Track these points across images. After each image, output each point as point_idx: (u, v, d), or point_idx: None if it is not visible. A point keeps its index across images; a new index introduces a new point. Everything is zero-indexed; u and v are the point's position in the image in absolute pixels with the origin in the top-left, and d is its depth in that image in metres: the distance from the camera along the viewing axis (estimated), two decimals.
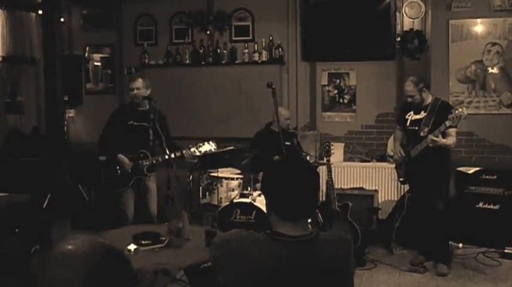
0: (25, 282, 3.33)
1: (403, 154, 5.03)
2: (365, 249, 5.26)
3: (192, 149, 4.73)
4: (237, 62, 7.13)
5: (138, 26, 7.56)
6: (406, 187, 5.36)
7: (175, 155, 4.72)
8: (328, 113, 6.96)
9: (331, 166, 5.50)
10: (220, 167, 5.49)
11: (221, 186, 5.43)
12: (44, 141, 7.02)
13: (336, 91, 6.91)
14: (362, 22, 6.43)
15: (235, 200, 5.05)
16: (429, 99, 4.89)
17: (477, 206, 5.50)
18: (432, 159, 4.76)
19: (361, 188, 6.24)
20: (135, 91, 4.85)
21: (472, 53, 6.39)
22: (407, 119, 5.00)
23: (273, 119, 5.56)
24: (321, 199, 5.69)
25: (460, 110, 4.52)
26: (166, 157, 4.71)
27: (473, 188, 5.62)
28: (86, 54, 7.82)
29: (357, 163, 6.53)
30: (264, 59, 7.00)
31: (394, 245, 5.44)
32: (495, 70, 6.37)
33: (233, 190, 5.43)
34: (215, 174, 5.49)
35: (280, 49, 6.93)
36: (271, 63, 6.97)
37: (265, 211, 2.34)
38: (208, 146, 4.75)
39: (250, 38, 7.12)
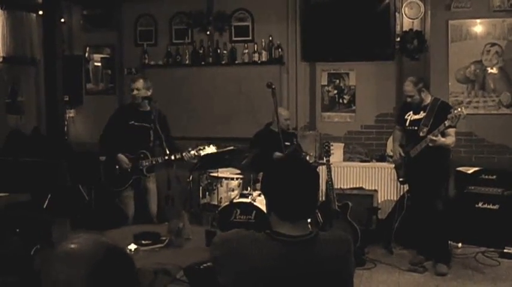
0: (28, 281, 3.34)
1: (403, 154, 5.04)
2: (365, 249, 5.27)
3: (192, 152, 4.75)
4: (236, 62, 7.14)
5: (138, 27, 7.57)
6: (406, 187, 5.36)
7: (175, 157, 4.73)
8: (328, 113, 6.97)
9: (331, 166, 5.51)
10: (220, 167, 5.50)
11: (221, 186, 5.44)
12: (44, 141, 7.02)
13: (335, 91, 6.92)
14: (362, 22, 6.43)
15: (235, 200, 5.06)
16: (428, 99, 4.90)
17: (476, 206, 5.51)
18: (432, 159, 4.77)
19: (360, 188, 6.25)
20: (135, 91, 4.86)
21: (472, 53, 6.40)
22: (407, 119, 5.01)
23: (272, 119, 5.57)
24: (320, 198, 5.69)
25: (459, 109, 4.52)
26: (166, 157, 4.73)
27: (472, 188, 5.63)
28: (86, 55, 7.83)
29: (357, 163, 6.54)
30: (263, 59, 7.01)
31: (393, 245, 5.44)
32: (494, 70, 6.38)
33: (233, 190, 5.44)
34: (215, 174, 5.50)
35: (280, 49, 6.94)
36: (271, 63, 6.98)
37: (265, 211, 2.35)
38: (209, 150, 4.77)
39: (250, 38, 7.13)
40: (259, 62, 7.01)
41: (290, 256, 1.78)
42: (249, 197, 5.00)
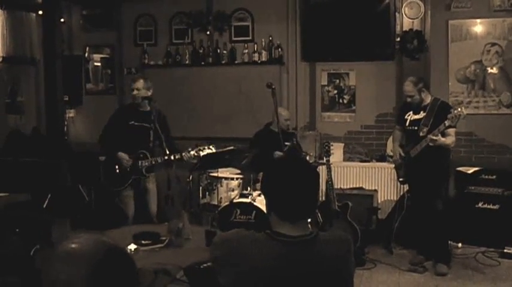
0: (30, 280, 3.34)
1: (403, 154, 5.04)
2: (365, 249, 5.27)
3: (192, 153, 4.76)
4: (236, 62, 7.13)
5: (138, 26, 7.57)
6: (406, 187, 5.36)
7: (174, 157, 4.73)
8: (328, 113, 6.97)
9: (331, 165, 5.51)
10: (220, 167, 5.50)
11: (221, 186, 5.44)
12: (44, 141, 7.02)
13: (335, 91, 6.92)
14: (362, 22, 6.43)
15: (235, 200, 5.06)
16: (428, 99, 4.90)
17: (476, 206, 5.51)
18: (432, 159, 4.77)
19: (360, 188, 6.25)
20: (135, 91, 4.86)
21: (472, 53, 6.40)
22: (407, 119, 5.01)
23: (272, 120, 5.57)
24: (320, 198, 5.69)
25: (459, 109, 4.52)
26: (166, 157, 4.73)
27: (472, 188, 5.63)
28: (86, 55, 7.83)
29: (357, 163, 6.54)
30: (263, 59, 7.01)
31: (393, 245, 5.44)
32: (494, 70, 6.37)
33: (233, 190, 5.44)
34: (215, 174, 5.50)
35: (279, 49, 6.93)
36: (270, 63, 6.98)
37: (265, 211, 2.35)
38: (209, 150, 4.77)
39: (250, 38, 7.13)
40: (259, 62, 7.01)
41: (290, 256, 1.77)
42: (249, 197, 5.00)
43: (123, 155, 4.82)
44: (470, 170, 5.74)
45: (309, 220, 2.11)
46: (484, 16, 6.34)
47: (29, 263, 4.00)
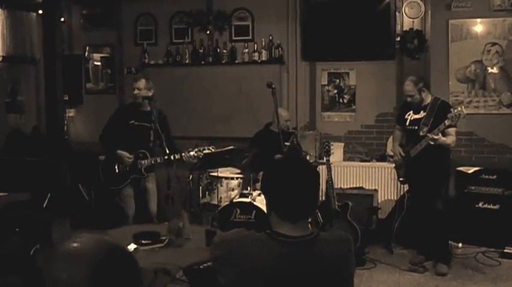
0: (31, 279, 3.34)
1: (403, 154, 5.04)
2: (365, 249, 5.27)
3: (192, 153, 4.76)
4: (236, 61, 7.13)
5: (138, 26, 7.57)
6: (406, 187, 5.36)
7: (174, 157, 4.73)
8: (328, 113, 6.96)
9: (331, 165, 5.51)
10: (220, 167, 5.49)
11: (221, 186, 5.43)
12: (44, 140, 7.02)
13: (335, 91, 6.92)
14: (362, 22, 6.43)
15: (235, 200, 5.05)
16: (428, 99, 4.90)
17: (477, 206, 5.51)
18: (432, 158, 4.76)
19: (361, 188, 6.25)
20: (136, 91, 4.86)
21: (472, 52, 6.39)
22: (407, 119, 5.01)
23: (272, 120, 5.56)
24: (320, 198, 5.69)
25: (459, 109, 4.53)
26: (166, 157, 4.73)
27: (473, 188, 5.63)
28: (86, 54, 7.82)
29: (357, 162, 6.54)
30: (263, 58, 7.00)
31: (393, 245, 5.44)
32: (495, 70, 6.37)
33: (233, 190, 5.43)
34: (215, 174, 5.49)
35: (280, 49, 6.93)
36: (271, 63, 6.98)
37: (265, 210, 2.34)
38: (209, 151, 4.77)
39: (250, 37, 7.12)
40: (259, 61, 7.00)
41: (291, 255, 1.77)
42: (249, 196, 5.00)
43: (123, 153, 4.82)
44: (471, 170, 5.74)
45: (309, 220, 2.11)
46: (485, 16, 6.34)
47: (30, 262, 3.99)
